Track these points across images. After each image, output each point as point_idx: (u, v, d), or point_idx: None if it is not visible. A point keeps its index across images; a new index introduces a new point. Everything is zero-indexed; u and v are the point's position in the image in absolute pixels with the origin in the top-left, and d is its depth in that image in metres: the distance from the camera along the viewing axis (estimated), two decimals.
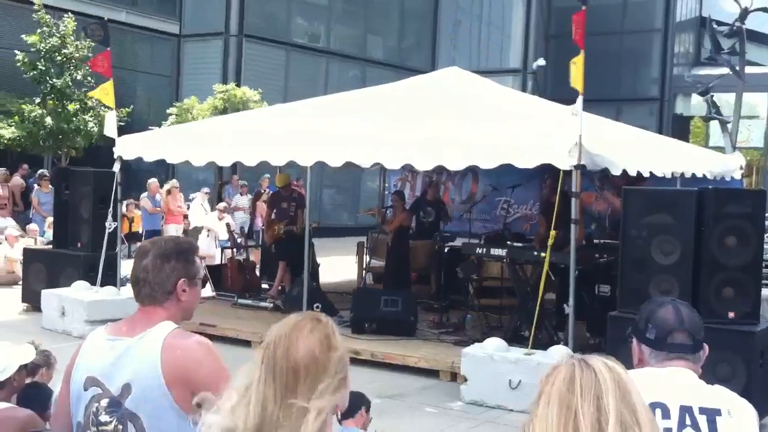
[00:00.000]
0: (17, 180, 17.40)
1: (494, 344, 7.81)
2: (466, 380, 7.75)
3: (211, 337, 2.69)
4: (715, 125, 29.27)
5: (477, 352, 7.79)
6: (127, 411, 2.50)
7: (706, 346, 2.59)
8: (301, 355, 1.84)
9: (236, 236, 13.67)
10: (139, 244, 2.86)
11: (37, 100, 18.73)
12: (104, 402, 2.53)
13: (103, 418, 2.53)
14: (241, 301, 11.42)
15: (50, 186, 15.32)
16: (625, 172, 8.44)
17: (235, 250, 12.87)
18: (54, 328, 9.98)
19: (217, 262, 13.91)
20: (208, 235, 15.89)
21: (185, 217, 17.10)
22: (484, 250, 9.43)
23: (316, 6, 28.14)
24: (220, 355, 2.58)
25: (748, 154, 25.37)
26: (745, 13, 25.70)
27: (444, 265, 11.18)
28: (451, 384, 8.14)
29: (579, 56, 7.67)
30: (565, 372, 1.69)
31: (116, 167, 10.49)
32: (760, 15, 26.54)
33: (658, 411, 2.37)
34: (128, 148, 10.53)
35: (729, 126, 26.06)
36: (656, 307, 2.63)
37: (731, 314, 6.96)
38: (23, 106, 18.49)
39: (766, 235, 8.66)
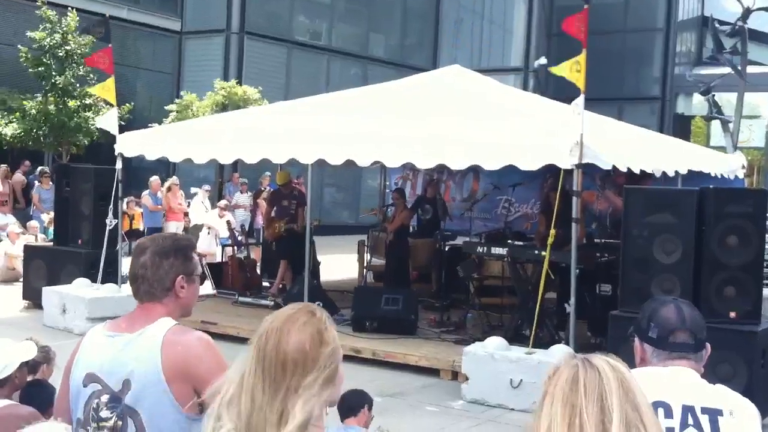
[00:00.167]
0: (18, 177, 17.39)
1: (495, 343, 7.81)
2: (467, 379, 7.75)
3: (212, 335, 2.68)
4: (716, 125, 29.25)
5: (478, 350, 7.79)
6: (127, 407, 2.51)
7: (708, 346, 2.59)
8: (291, 348, 1.83)
9: (237, 234, 13.67)
10: (137, 241, 2.86)
11: (39, 97, 18.72)
12: (104, 398, 2.53)
13: (103, 413, 2.53)
14: (241, 299, 11.42)
15: (51, 183, 15.32)
16: (627, 170, 8.42)
17: (235, 247, 12.88)
18: (55, 326, 9.99)
19: (218, 259, 13.91)
20: (208, 233, 15.89)
21: (186, 214, 17.10)
22: (485, 248, 9.43)
23: (318, 4, 28.14)
24: (220, 351, 2.58)
25: (749, 153, 25.35)
26: (747, 13, 25.68)
27: (445, 263, 11.18)
28: (452, 383, 8.14)
29: (581, 56, 7.65)
30: (568, 372, 1.68)
31: (117, 164, 10.49)
32: (762, 14, 26.51)
33: (661, 410, 2.36)
34: (129, 145, 10.53)
35: (730, 126, 26.04)
36: (658, 306, 2.62)
37: (732, 314, 6.96)
38: (25, 102, 18.50)
39: (767, 235, 8.65)
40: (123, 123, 11.03)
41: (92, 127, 18.32)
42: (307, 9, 27.88)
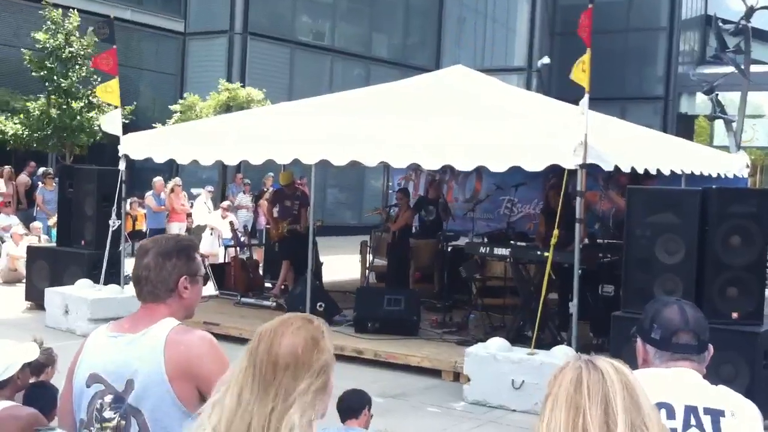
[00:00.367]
0: (23, 178, 17.41)
1: (497, 344, 7.80)
2: (468, 380, 7.74)
3: (215, 336, 2.68)
4: (719, 124, 29.22)
5: (480, 351, 7.78)
6: (130, 407, 2.51)
7: (710, 347, 2.58)
8: (284, 351, 1.84)
9: (239, 235, 13.67)
10: (140, 243, 2.87)
11: (42, 98, 18.75)
12: (108, 398, 2.54)
13: (107, 414, 2.53)
14: (244, 299, 11.43)
15: (54, 184, 15.34)
16: (630, 170, 8.41)
17: (238, 248, 12.87)
18: (57, 326, 9.99)
19: (221, 260, 13.91)
20: (211, 234, 15.89)
21: (189, 215, 17.11)
22: (488, 249, 9.41)
23: (320, 4, 28.15)
24: (223, 351, 2.58)
25: (753, 153, 25.32)
26: (750, 12, 25.64)
27: (447, 264, 11.17)
28: (454, 384, 8.13)
29: (585, 55, 7.64)
30: (572, 374, 1.68)
31: (121, 165, 10.50)
32: (766, 13, 26.47)
33: (663, 411, 2.36)
34: (133, 146, 10.53)
35: (734, 125, 26.01)
36: (661, 307, 2.62)
37: (735, 314, 6.95)
38: (28, 104, 18.52)
39: None
40: (126, 122, 11.01)
41: (95, 127, 18.35)
42: (310, 9, 27.91)
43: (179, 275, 2.62)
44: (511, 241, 9.69)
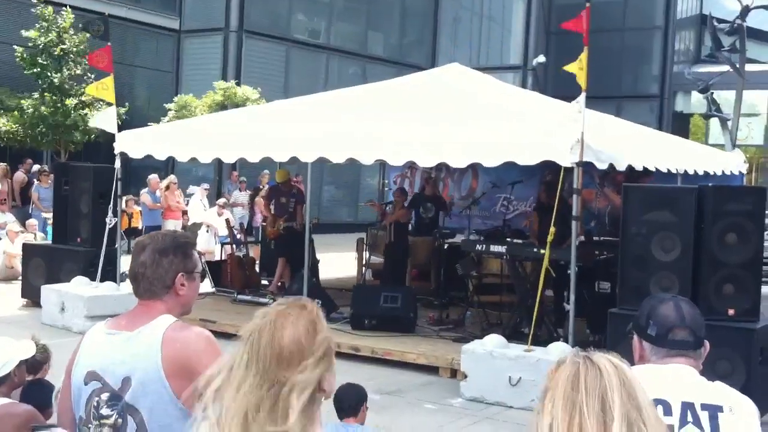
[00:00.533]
0: (20, 175, 17.37)
1: (494, 341, 7.81)
2: (465, 377, 7.75)
3: (212, 333, 2.68)
4: (715, 123, 29.27)
5: (477, 348, 7.79)
6: (127, 404, 2.51)
7: (707, 343, 2.59)
8: (287, 342, 1.84)
9: (236, 232, 13.66)
10: (136, 239, 2.86)
11: (35, 95, 18.70)
12: (105, 396, 2.54)
13: (104, 411, 2.53)
14: (240, 297, 11.42)
15: (50, 181, 15.30)
16: (626, 168, 8.42)
17: (234, 246, 12.87)
18: (54, 324, 9.99)
19: (217, 258, 13.90)
20: (207, 231, 15.89)
21: (184, 213, 17.10)
22: (484, 246, 9.42)
23: (316, 2, 28.13)
24: (220, 347, 2.58)
25: (748, 151, 25.34)
26: (745, 11, 25.67)
27: (444, 261, 11.18)
28: (451, 381, 8.14)
29: (583, 54, 7.65)
30: (569, 369, 1.68)
31: (117, 163, 10.48)
32: (761, 12, 26.51)
33: (660, 408, 2.36)
34: (128, 143, 10.52)
35: (729, 123, 26.04)
36: (657, 304, 2.62)
37: (731, 311, 6.96)
38: (22, 101, 18.47)
39: (766, 233, 8.65)
40: (119, 122, 10.98)
41: (89, 125, 18.30)
42: (306, 7, 27.88)
43: (176, 272, 2.62)
44: (508, 239, 9.69)
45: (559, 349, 7.34)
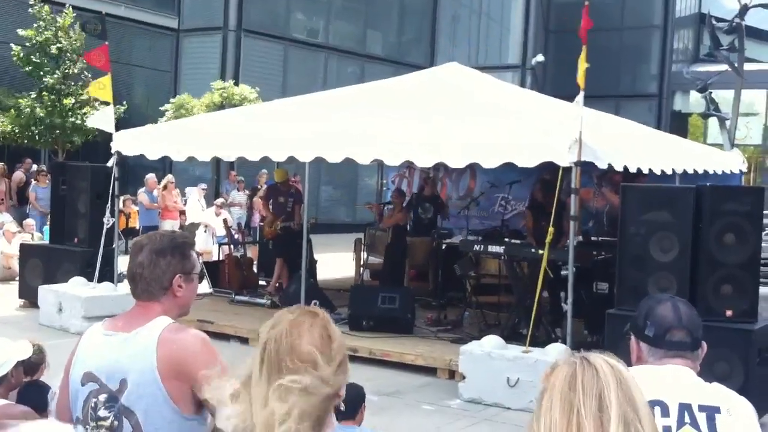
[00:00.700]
0: (18, 174, 17.37)
1: (492, 342, 7.80)
2: (463, 378, 7.75)
3: (209, 334, 2.68)
4: (713, 122, 29.25)
5: (475, 349, 7.78)
6: (123, 406, 2.50)
7: (704, 344, 2.58)
8: (305, 351, 1.84)
9: (233, 232, 13.64)
10: (134, 239, 2.85)
11: (33, 95, 18.68)
12: (102, 397, 2.53)
13: (101, 413, 2.52)
14: (238, 297, 11.42)
15: (48, 181, 15.29)
16: (624, 168, 8.42)
17: (232, 246, 12.86)
18: (51, 324, 9.98)
19: (215, 258, 13.89)
20: (205, 231, 15.89)
21: (182, 213, 17.09)
22: (482, 247, 9.41)
23: (315, 1, 28.12)
24: (216, 349, 2.57)
25: (746, 151, 25.40)
26: (744, 10, 25.65)
27: (442, 262, 11.17)
28: (449, 382, 8.13)
29: (583, 53, 7.65)
30: (566, 370, 1.68)
31: (113, 162, 10.46)
32: (760, 11, 26.49)
33: (657, 409, 2.36)
34: (125, 143, 10.50)
35: (727, 123, 26.03)
36: (655, 305, 2.62)
37: (729, 312, 6.96)
38: (20, 101, 18.45)
39: (764, 233, 8.66)
40: (119, 119, 10.98)
41: (87, 125, 18.28)
42: (305, 6, 27.87)
43: (174, 273, 2.60)
44: (506, 239, 9.68)
45: (557, 350, 7.34)
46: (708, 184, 7.93)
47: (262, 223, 13.40)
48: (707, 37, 27.90)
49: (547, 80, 29.47)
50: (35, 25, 18.46)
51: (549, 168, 8.44)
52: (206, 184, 19.29)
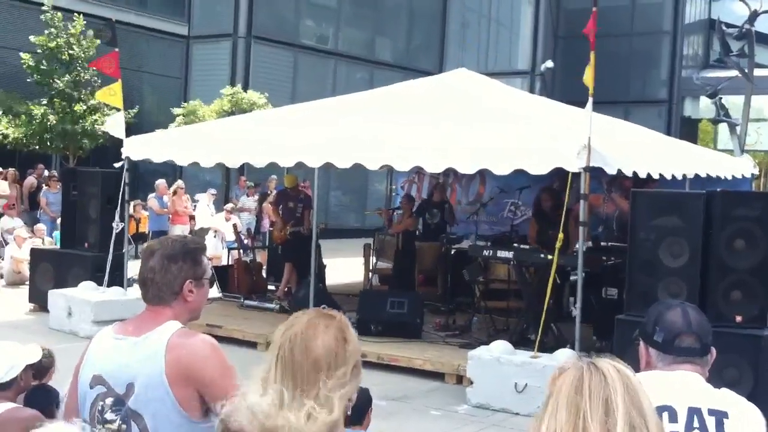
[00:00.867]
0: (30, 180, 17.46)
1: (500, 347, 7.79)
2: (472, 383, 7.73)
3: (218, 338, 2.68)
4: (723, 128, 29.16)
5: (483, 354, 7.77)
6: (131, 410, 2.51)
7: (713, 350, 2.58)
8: (321, 352, 1.86)
9: (243, 237, 13.67)
10: (146, 244, 2.86)
11: (44, 101, 18.79)
12: (109, 400, 2.54)
13: (108, 416, 2.54)
14: (247, 302, 11.43)
15: (59, 186, 15.36)
16: (634, 173, 8.40)
17: (241, 251, 12.88)
18: (61, 329, 10.01)
19: (224, 263, 13.92)
20: (214, 236, 15.92)
21: (191, 218, 17.13)
22: (491, 252, 9.39)
23: (324, 8, 28.18)
24: (225, 354, 2.57)
25: (757, 156, 25.26)
26: (754, 16, 25.58)
27: (450, 267, 11.16)
28: (457, 387, 8.12)
29: (591, 58, 7.64)
30: (573, 374, 1.68)
31: (124, 168, 10.50)
32: None
33: (666, 414, 2.35)
34: (136, 149, 10.54)
35: (737, 129, 25.95)
36: (664, 310, 2.61)
37: (739, 318, 6.93)
38: (31, 107, 18.55)
39: None
40: (129, 125, 11.03)
41: (98, 131, 18.36)
42: (314, 13, 27.93)
43: (184, 279, 2.61)
44: (515, 244, 9.66)
45: (565, 355, 7.31)
46: (718, 189, 7.90)
47: (271, 228, 13.40)
48: (717, 42, 27.82)
49: (556, 86, 29.44)
50: (47, 32, 18.57)
51: (559, 175, 8.43)
52: (216, 189, 19.33)
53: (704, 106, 30.72)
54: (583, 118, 7.72)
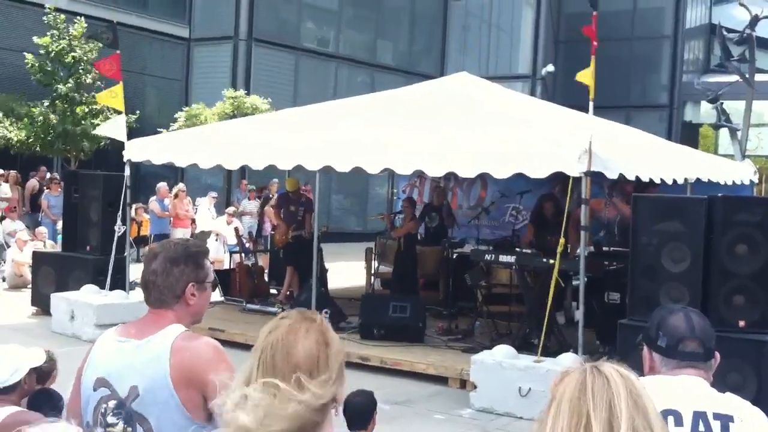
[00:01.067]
0: (32, 182, 17.46)
1: (503, 351, 7.79)
2: (475, 387, 7.74)
3: (220, 342, 2.68)
4: (724, 133, 29.17)
5: (486, 359, 7.77)
6: (135, 413, 2.51)
7: (717, 355, 2.58)
8: (302, 357, 1.85)
9: (244, 241, 13.67)
10: (147, 247, 2.86)
11: (46, 103, 18.80)
12: (112, 403, 2.54)
13: (111, 419, 2.54)
14: (249, 306, 11.43)
15: (60, 189, 15.37)
16: (636, 178, 8.40)
17: (243, 254, 12.88)
18: (63, 332, 10.02)
19: (226, 266, 13.92)
20: (216, 240, 15.92)
21: (193, 221, 17.14)
22: (493, 256, 9.40)
23: (325, 11, 28.21)
24: (228, 357, 2.58)
25: (758, 162, 25.26)
26: (755, 21, 25.60)
27: (452, 271, 11.16)
28: (460, 391, 8.12)
29: (591, 63, 7.66)
30: (576, 378, 1.68)
31: (126, 171, 10.52)
32: None
33: (671, 418, 2.36)
34: (137, 151, 10.56)
35: (738, 134, 25.95)
36: (667, 315, 2.62)
37: (741, 323, 6.93)
38: (33, 109, 18.57)
39: None
40: (128, 129, 11.03)
41: (96, 133, 18.35)
42: (315, 16, 27.96)
43: (186, 282, 2.62)
44: (517, 249, 9.67)
45: (569, 359, 7.32)
46: (719, 194, 7.90)
47: (273, 232, 13.40)
48: (718, 47, 27.84)
49: (557, 90, 29.46)
50: (49, 33, 18.59)
51: (558, 179, 8.43)
52: (216, 193, 19.33)
53: (705, 111, 30.74)
54: (584, 123, 7.74)
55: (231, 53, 25.21)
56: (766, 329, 7.01)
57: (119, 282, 10.54)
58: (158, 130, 17.54)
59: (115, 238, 10.37)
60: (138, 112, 19.49)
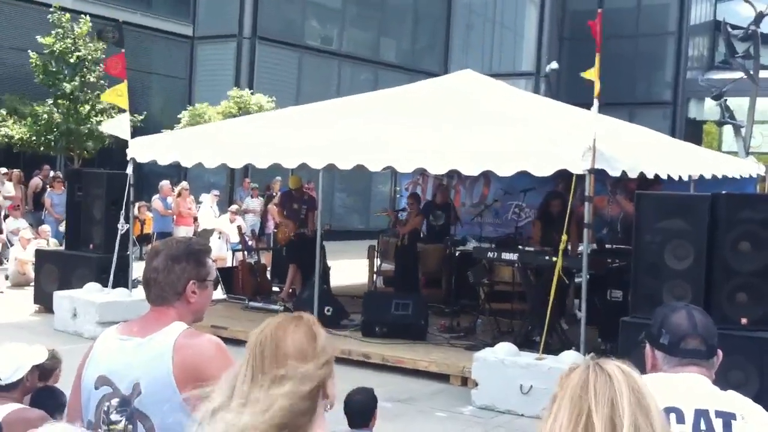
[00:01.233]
0: (35, 181, 17.49)
1: (505, 349, 7.78)
2: (476, 385, 7.73)
3: (223, 340, 2.68)
4: (728, 130, 29.15)
5: (488, 356, 7.77)
6: (137, 411, 2.51)
7: (719, 352, 2.58)
8: (291, 350, 1.86)
9: (247, 239, 13.68)
10: (150, 245, 2.86)
11: (50, 102, 18.82)
12: (114, 401, 2.54)
13: (114, 417, 2.54)
14: (252, 303, 11.44)
15: (63, 187, 15.39)
16: (639, 175, 8.39)
17: (246, 252, 12.89)
18: (66, 330, 10.03)
19: (229, 264, 13.93)
20: (219, 238, 15.93)
21: (195, 219, 17.15)
22: (495, 254, 9.39)
23: (329, 9, 28.20)
24: (231, 355, 2.58)
25: (761, 159, 25.22)
26: (759, 17, 25.57)
27: (455, 269, 11.16)
28: (462, 388, 8.12)
29: (597, 60, 7.64)
30: (579, 375, 1.68)
31: (129, 169, 10.52)
32: None
33: (673, 416, 2.35)
34: (141, 150, 10.56)
35: (742, 131, 25.92)
36: (670, 313, 2.61)
37: (744, 320, 6.92)
38: (36, 108, 18.59)
39: None
40: (133, 128, 11.03)
41: (100, 130, 18.39)
42: (319, 14, 27.95)
43: (188, 280, 2.61)
44: (519, 246, 9.66)
45: (571, 357, 7.31)
46: (723, 191, 7.89)
47: (275, 230, 13.41)
48: (722, 44, 27.81)
49: (561, 88, 29.43)
50: (53, 32, 18.61)
51: (562, 176, 8.42)
52: (219, 191, 19.34)
53: (709, 108, 30.70)
54: (587, 120, 7.72)
55: (235, 51, 25.22)
56: None
57: (122, 280, 10.55)
58: (162, 129, 17.52)
59: (118, 236, 10.37)
60: (145, 113, 19.50)
